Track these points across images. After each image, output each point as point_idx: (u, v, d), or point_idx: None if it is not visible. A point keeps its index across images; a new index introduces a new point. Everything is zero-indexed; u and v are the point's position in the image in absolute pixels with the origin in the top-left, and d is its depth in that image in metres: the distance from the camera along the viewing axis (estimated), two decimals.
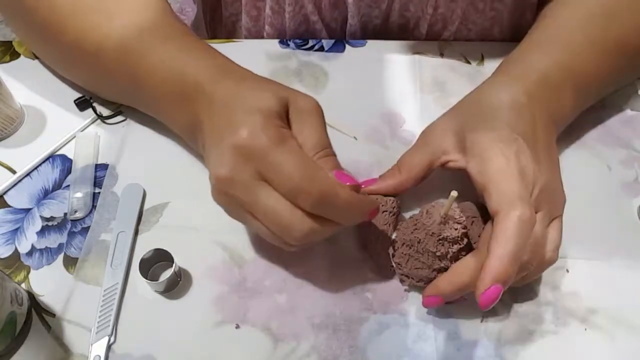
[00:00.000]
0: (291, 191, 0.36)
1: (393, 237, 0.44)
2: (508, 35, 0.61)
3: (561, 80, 0.45)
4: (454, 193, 0.38)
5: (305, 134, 0.39)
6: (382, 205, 0.44)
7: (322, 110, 0.41)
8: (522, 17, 0.60)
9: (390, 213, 0.44)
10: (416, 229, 0.41)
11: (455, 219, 0.40)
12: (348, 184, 0.37)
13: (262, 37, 0.63)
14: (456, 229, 0.40)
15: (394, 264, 0.43)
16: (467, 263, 0.39)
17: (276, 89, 0.40)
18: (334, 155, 0.40)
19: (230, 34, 0.66)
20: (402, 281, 0.44)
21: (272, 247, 0.45)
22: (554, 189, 0.41)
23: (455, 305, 0.43)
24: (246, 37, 0.64)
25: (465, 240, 0.41)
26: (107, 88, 0.51)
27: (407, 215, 0.47)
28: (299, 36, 0.61)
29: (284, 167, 0.36)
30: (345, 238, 0.46)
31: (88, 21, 0.46)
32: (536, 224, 0.38)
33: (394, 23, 0.60)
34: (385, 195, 0.45)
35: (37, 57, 0.56)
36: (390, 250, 0.44)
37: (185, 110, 0.43)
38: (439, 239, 0.40)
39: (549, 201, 0.40)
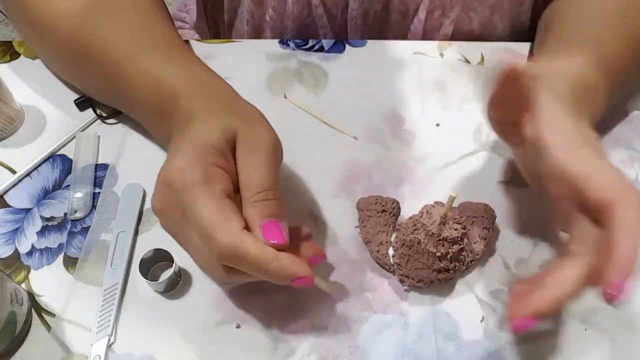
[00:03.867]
0: (201, 236, 0.35)
1: (393, 237, 0.44)
2: (508, 24, 0.61)
3: (598, 81, 0.44)
4: (454, 193, 0.38)
5: (247, 171, 0.37)
6: (382, 206, 0.44)
7: (277, 147, 0.39)
8: (522, 5, 0.60)
9: (390, 213, 0.44)
10: (416, 229, 0.41)
11: (455, 219, 0.40)
12: (273, 241, 0.35)
13: (265, 22, 0.62)
14: (456, 229, 0.40)
15: (394, 264, 0.43)
16: (562, 272, 0.35)
17: (227, 120, 0.38)
18: (276, 198, 0.37)
19: (232, 20, 0.65)
20: (402, 281, 0.44)
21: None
22: None
23: (455, 306, 0.43)
24: (248, 22, 0.63)
25: (465, 240, 0.42)
26: (97, 91, 0.51)
27: (407, 215, 0.47)
28: (301, 22, 0.61)
29: (196, 210, 0.34)
30: (345, 238, 0.46)
31: (79, 20, 0.46)
32: None
33: (394, 8, 0.60)
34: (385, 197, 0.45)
35: (37, 57, 0.56)
36: (390, 251, 0.44)
37: (161, 126, 0.44)
38: (439, 240, 0.40)
39: None
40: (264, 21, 0.63)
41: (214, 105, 0.40)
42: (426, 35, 0.61)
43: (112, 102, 0.51)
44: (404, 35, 0.62)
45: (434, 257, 0.41)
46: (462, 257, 0.42)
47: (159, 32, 0.47)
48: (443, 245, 0.40)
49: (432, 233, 0.40)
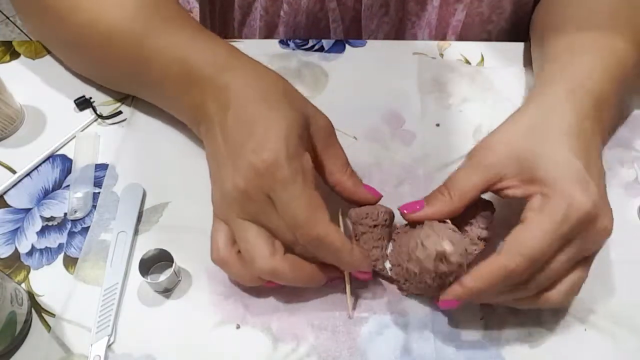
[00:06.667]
0: (291, 225, 0.37)
1: (389, 250, 0.43)
2: (513, 6, 0.61)
3: (613, 92, 0.43)
4: (449, 224, 0.38)
5: (331, 154, 0.42)
6: (374, 220, 0.43)
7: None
8: None
9: (383, 226, 0.43)
10: (410, 259, 0.39)
11: (452, 253, 0.38)
12: (375, 195, 0.43)
13: (279, 17, 0.62)
14: (452, 263, 0.37)
15: (391, 275, 0.43)
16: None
17: (299, 105, 0.41)
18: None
19: (245, 17, 0.65)
20: (400, 289, 0.43)
21: None
22: (604, 228, 0.38)
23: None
24: (262, 17, 0.63)
25: (464, 267, 0.39)
26: (112, 73, 0.51)
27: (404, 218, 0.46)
28: (313, 17, 0.61)
29: (294, 205, 0.37)
30: None
31: (102, 1, 0.47)
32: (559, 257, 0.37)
33: None
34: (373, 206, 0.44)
35: (37, 57, 0.57)
36: (387, 264, 0.43)
37: (189, 94, 0.44)
38: (435, 273, 0.38)
39: (590, 240, 0.38)
40: (278, 17, 0.62)
41: (268, 88, 0.41)
42: (441, 22, 0.62)
43: (127, 82, 0.51)
44: (419, 24, 0.62)
45: (432, 283, 0.39)
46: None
47: (180, 12, 0.48)
48: (440, 277, 0.38)
49: (428, 269, 0.38)
